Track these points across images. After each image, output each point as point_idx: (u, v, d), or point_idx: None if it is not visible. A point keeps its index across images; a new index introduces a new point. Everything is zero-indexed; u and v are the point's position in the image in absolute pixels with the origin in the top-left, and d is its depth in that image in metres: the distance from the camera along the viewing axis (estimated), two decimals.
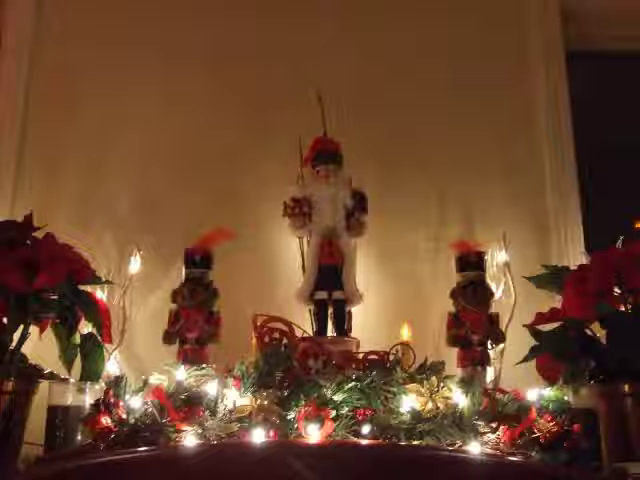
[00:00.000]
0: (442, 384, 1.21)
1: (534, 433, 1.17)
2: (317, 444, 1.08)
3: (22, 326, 1.29)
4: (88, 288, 1.40)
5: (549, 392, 1.28)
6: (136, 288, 1.61)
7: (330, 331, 1.47)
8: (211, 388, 1.19)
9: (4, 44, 1.86)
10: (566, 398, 1.27)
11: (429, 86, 1.87)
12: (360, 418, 1.14)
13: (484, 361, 1.45)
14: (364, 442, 1.11)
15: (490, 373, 1.46)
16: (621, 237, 1.40)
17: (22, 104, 1.81)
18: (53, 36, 1.86)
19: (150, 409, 1.16)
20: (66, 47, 1.86)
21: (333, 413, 1.13)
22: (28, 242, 1.31)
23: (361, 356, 1.33)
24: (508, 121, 1.87)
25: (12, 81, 1.82)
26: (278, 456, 1.04)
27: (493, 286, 1.53)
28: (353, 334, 1.49)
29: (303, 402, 1.15)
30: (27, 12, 1.86)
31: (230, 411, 1.15)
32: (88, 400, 1.28)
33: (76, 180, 1.76)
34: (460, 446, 1.13)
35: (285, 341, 1.33)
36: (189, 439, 1.11)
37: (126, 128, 1.80)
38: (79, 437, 1.25)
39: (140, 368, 1.50)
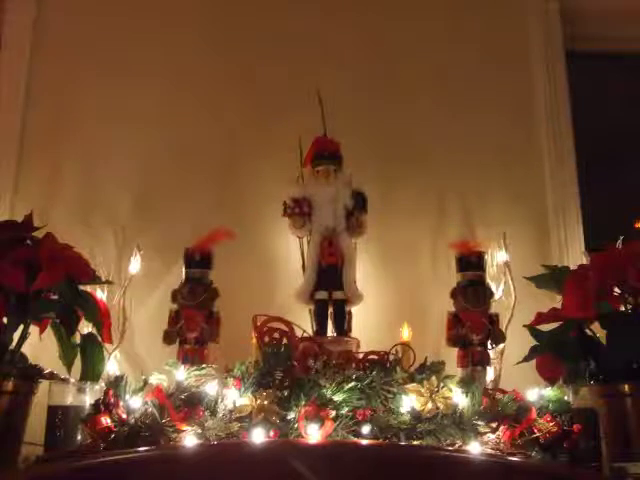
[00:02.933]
0: (442, 384, 1.21)
1: (534, 433, 1.17)
2: (317, 444, 1.08)
3: (22, 326, 1.28)
4: (88, 288, 1.39)
5: (549, 392, 1.28)
6: (136, 288, 1.61)
7: (330, 331, 1.47)
8: (211, 388, 1.19)
9: (4, 44, 1.86)
10: (566, 398, 1.27)
11: (429, 86, 1.87)
12: (360, 418, 1.14)
13: (484, 361, 1.45)
14: (364, 442, 1.11)
15: (490, 373, 1.46)
16: (621, 237, 1.40)
17: (22, 104, 1.81)
18: (53, 36, 1.86)
19: (150, 409, 1.16)
20: (66, 47, 1.86)
21: (333, 413, 1.13)
22: (28, 242, 1.31)
23: (361, 356, 1.32)
24: (508, 121, 1.87)
25: (12, 80, 1.82)
26: (278, 456, 1.04)
27: (493, 286, 1.53)
28: (353, 334, 1.49)
29: (303, 402, 1.15)
30: (27, 12, 1.86)
31: (230, 411, 1.15)
32: (88, 400, 1.27)
33: (76, 180, 1.77)
34: (460, 446, 1.13)
35: (285, 341, 1.33)
36: (189, 439, 1.11)
37: (127, 127, 1.80)
38: (79, 437, 1.25)
39: (140, 368, 1.50)
